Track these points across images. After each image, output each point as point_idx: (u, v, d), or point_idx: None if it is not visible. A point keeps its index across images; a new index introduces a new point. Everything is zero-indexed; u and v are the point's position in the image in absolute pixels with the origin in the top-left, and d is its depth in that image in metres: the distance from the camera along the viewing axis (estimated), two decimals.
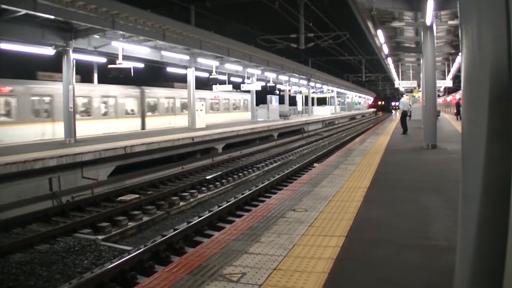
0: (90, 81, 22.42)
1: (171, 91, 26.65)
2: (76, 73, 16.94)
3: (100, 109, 21.71)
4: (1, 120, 16.42)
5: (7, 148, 13.51)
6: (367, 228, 4.88)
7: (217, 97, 33.69)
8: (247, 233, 4.78)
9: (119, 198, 11.09)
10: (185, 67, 23.84)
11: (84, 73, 20.72)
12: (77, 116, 18.55)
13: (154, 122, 25.10)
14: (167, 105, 27.01)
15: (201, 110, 24.15)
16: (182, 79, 25.65)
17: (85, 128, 18.93)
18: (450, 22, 16.37)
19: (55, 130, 17.76)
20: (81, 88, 19.77)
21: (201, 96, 29.97)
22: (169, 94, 26.59)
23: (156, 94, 26.07)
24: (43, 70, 19.29)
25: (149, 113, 25.22)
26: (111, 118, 22.11)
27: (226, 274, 3.61)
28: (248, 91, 34.61)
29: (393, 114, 65.67)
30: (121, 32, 15.54)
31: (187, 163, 17.00)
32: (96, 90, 21.59)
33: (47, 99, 18.13)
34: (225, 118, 33.54)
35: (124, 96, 23.46)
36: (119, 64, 16.84)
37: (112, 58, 17.99)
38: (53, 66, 18.07)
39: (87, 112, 20.93)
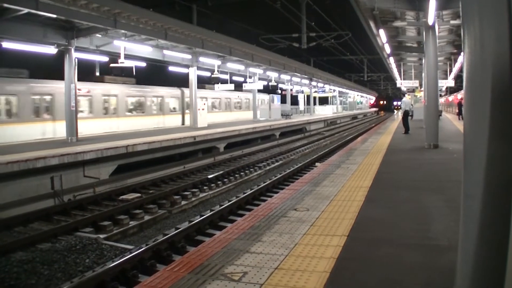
0: (143, 83, 24.90)
1: (204, 92, 29.79)
2: (121, 76, 21.58)
3: (152, 107, 25.06)
4: (84, 115, 19.50)
5: (11, 146, 13.53)
6: (368, 228, 4.88)
7: (239, 97, 36.30)
8: (249, 232, 4.78)
9: (121, 197, 11.11)
10: (187, 66, 23.85)
11: (139, 76, 23.59)
12: (134, 112, 23.54)
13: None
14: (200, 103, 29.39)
15: (202, 109, 24.24)
16: (208, 82, 28.89)
17: (140, 123, 23.10)
18: (452, 22, 16.32)
19: (119, 124, 21.56)
20: (137, 90, 23.97)
21: (228, 96, 33.88)
22: (202, 94, 29.26)
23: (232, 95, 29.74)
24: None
25: (187, 111, 27.58)
26: (159, 115, 25.64)
27: (228, 273, 3.61)
28: (267, 92, 37.24)
29: (394, 114, 65.57)
30: (123, 31, 15.54)
31: (189, 162, 17.02)
32: (149, 91, 24.78)
33: (114, 98, 21.88)
34: (246, 116, 35.70)
35: (169, 96, 26.88)
36: (121, 63, 16.87)
37: (114, 57, 18.01)
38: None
39: (141, 109, 24.19)
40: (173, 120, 26.58)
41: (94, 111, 20.42)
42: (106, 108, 21.38)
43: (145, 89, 24.47)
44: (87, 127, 18.73)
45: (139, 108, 24.00)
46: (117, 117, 21.90)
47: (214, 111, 31.15)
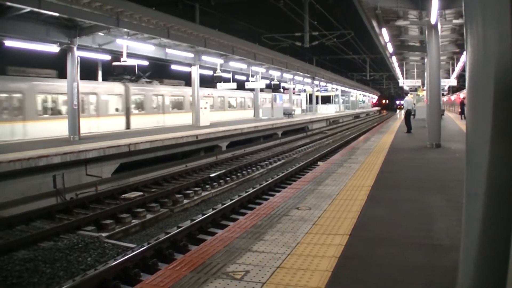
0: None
1: (264, 94, 40.30)
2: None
3: (240, 105, 37.47)
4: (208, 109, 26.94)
5: (13, 144, 13.57)
6: (370, 227, 4.88)
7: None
8: (251, 231, 4.78)
9: (123, 195, 11.12)
10: (190, 65, 23.83)
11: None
12: (230, 108, 35.64)
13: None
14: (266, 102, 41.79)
15: (205, 108, 24.21)
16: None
17: (224, 115, 33.06)
18: (455, 21, 16.29)
19: (225, 114, 31.01)
20: (234, 93, 35.07)
21: (262, 96, 40.90)
22: (263, 96, 40.27)
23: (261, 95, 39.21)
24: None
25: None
26: (238, 109, 37.19)
27: (230, 272, 3.61)
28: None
29: (397, 113, 65.46)
30: (125, 29, 15.55)
31: (191, 161, 17.02)
32: (239, 93, 36.16)
33: (222, 98, 32.69)
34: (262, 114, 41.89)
35: (247, 97, 38.71)
36: (123, 61, 16.88)
37: (117, 55, 18.02)
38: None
39: (234, 106, 36.17)
40: (250, 113, 37.74)
41: (215, 106, 31.24)
42: (220, 106, 33.04)
43: (236, 92, 35.20)
44: (213, 116, 27.56)
45: (234, 105, 36.34)
46: (223, 110, 33.75)
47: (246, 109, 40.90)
